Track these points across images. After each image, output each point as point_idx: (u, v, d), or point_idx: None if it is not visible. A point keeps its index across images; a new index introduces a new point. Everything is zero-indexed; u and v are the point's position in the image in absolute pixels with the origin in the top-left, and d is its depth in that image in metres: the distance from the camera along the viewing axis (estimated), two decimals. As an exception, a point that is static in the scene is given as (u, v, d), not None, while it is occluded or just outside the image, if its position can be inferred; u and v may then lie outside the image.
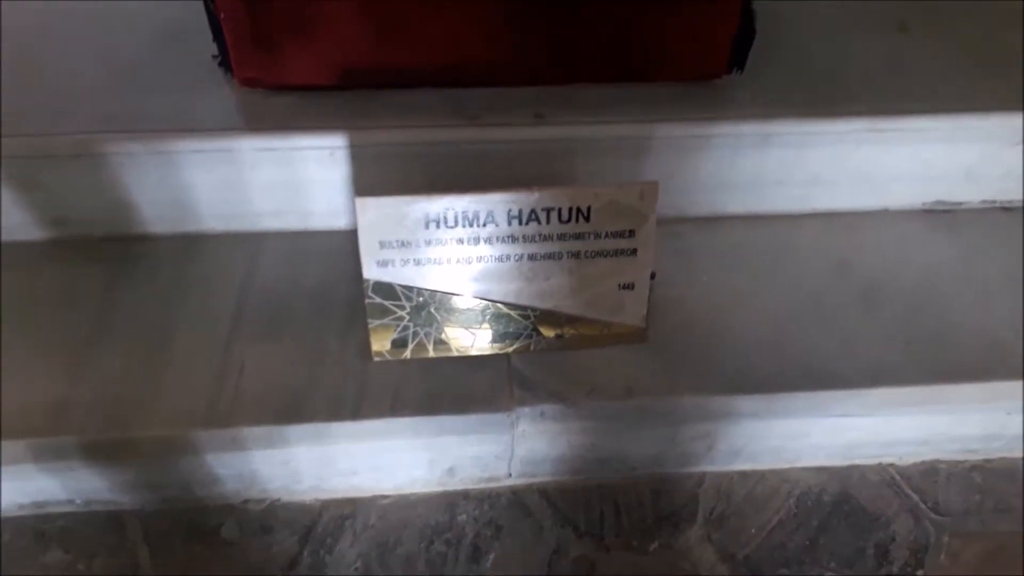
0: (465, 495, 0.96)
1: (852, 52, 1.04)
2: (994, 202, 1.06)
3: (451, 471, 0.94)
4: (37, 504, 0.92)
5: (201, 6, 0.90)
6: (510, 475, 0.96)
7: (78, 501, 0.92)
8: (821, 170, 1.00)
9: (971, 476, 1.00)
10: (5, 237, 0.97)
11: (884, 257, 1.01)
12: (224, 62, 0.94)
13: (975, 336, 0.93)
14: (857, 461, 1.00)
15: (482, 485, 0.96)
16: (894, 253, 1.01)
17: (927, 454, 1.00)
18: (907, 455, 1.00)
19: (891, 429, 0.96)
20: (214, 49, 0.93)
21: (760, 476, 0.99)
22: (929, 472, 1.00)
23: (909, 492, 0.98)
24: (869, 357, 0.90)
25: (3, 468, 0.85)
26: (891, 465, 1.00)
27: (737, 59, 0.96)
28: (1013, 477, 1.00)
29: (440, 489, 0.96)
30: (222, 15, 0.88)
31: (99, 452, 0.84)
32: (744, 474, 0.99)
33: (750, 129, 0.96)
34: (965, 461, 1.01)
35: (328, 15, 0.88)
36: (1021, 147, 1.00)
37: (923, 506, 0.97)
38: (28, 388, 0.85)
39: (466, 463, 0.93)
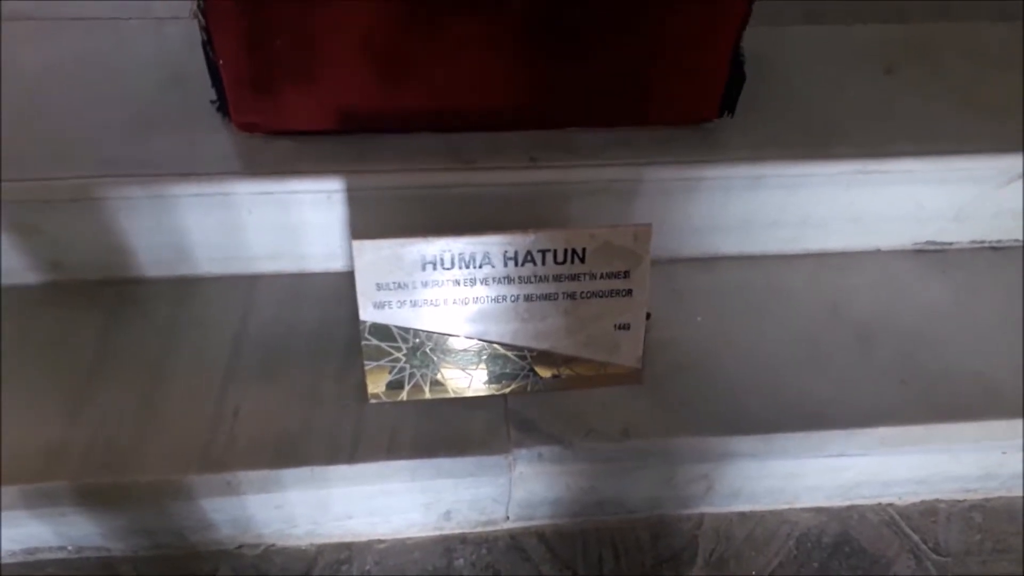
0: (462, 539, 0.95)
1: (841, 94, 1.05)
2: (983, 242, 1.08)
3: (448, 515, 0.93)
4: (28, 551, 0.90)
5: (200, 51, 0.91)
6: (508, 518, 0.95)
7: (70, 548, 0.91)
8: (812, 211, 1.01)
9: (971, 516, 0.99)
10: (2, 281, 0.97)
11: (877, 297, 1.01)
12: (222, 107, 0.95)
13: (969, 375, 0.93)
14: (856, 501, 0.99)
15: (479, 529, 0.95)
16: (886, 293, 1.02)
17: (926, 494, 1.00)
18: (906, 495, 1.00)
19: (889, 469, 0.96)
20: (213, 94, 0.95)
21: (759, 517, 0.98)
22: (929, 512, 0.99)
23: (909, 532, 0.97)
24: (864, 397, 0.91)
25: (-4, 514, 0.84)
26: (890, 505, 1.00)
27: (728, 103, 0.97)
28: (1012, 516, 0.99)
29: (437, 533, 0.95)
30: (221, 61, 0.89)
31: (92, 497, 0.83)
32: (743, 515, 0.98)
33: (741, 171, 0.97)
34: (964, 500, 1.00)
35: (326, 61, 0.89)
36: (1010, 188, 1.01)
37: (924, 546, 0.96)
38: (21, 433, 0.84)
39: (463, 507, 0.93)
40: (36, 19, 1.12)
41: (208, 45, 0.89)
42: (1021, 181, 1.01)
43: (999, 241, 1.08)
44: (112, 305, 0.97)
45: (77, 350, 0.92)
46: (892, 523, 0.98)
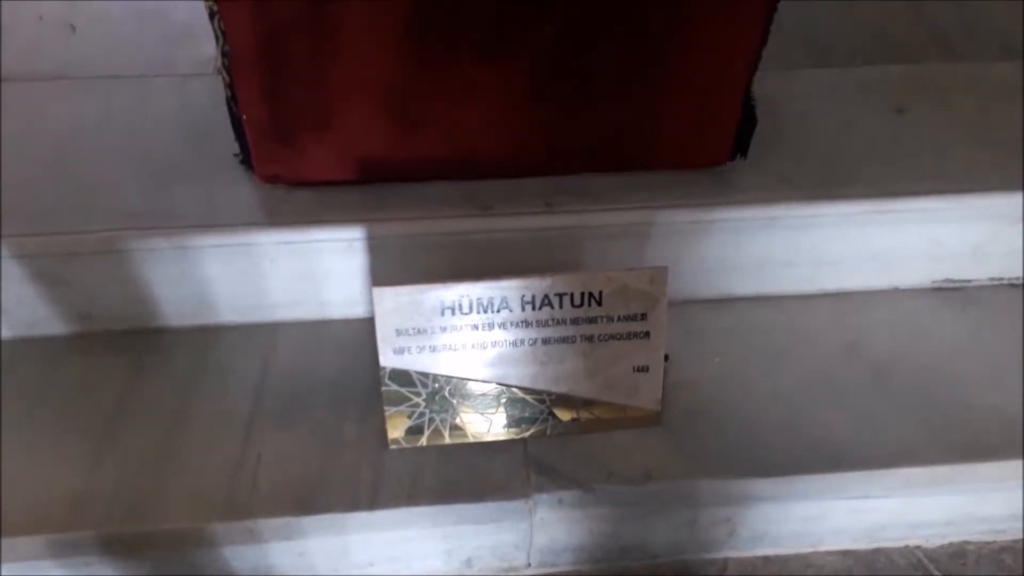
0: (484, 586, 0.94)
1: (852, 134, 1.06)
2: (1002, 279, 1.07)
3: (469, 562, 0.93)
4: (52, 602, 0.91)
5: (223, 106, 0.94)
6: (529, 565, 0.94)
7: (93, 597, 0.91)
8: (828, 251, 1.02)
9: (1001, 558, 0.97)
10: (29, 332, 0.99)
11: (895, 336, 1.01)
12: (245, 160, 0.97)
13: (990, 414, 0.92)
14: (883, 544, 0.98)
15: (501, 575, 0.95)
16: (905, 332, 1.02)
17: (954, 535, 0.98)
18: (934, 537, 0.98)
19: (915, 510, 0.94)
20: (235, 147, 0.97)
21: (784, 561, 0.96)
22: (958, 554, 0.97)
23: (938, 576, 0.96)
24: (885, 437, 0.90)
25: (21, 564, 0.84)
26: (918, 548, 0.98)
27: (740, 146, 0.99)
28: (1043, 559, 0.97)
29: (458, 581, 0.95)
30: (244, 116, 0.92)
31: (116, 546, 0.83)
32: (767, 559, 0.97)
33: (755, 213, 0.98)
34: (994, 542, 0.99)
35: (345, 115, 0.91)
36: (1024, 224, 1.01)
37: (954, 591, 0.94)
38: (48, 481, 0.85)
39: (484, 553, 0.92)
40: (63, 78, 1.16)
41: (232, 100, 0.91)
42: (1037, 218, 1.01)
43: (1018, 278, 1.07)
44: (137, 354, 0.98)
45: (102, 399, 0.93)
46: (920, 566, 0.96)
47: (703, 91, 0.94)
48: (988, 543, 0.98)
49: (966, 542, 0.98)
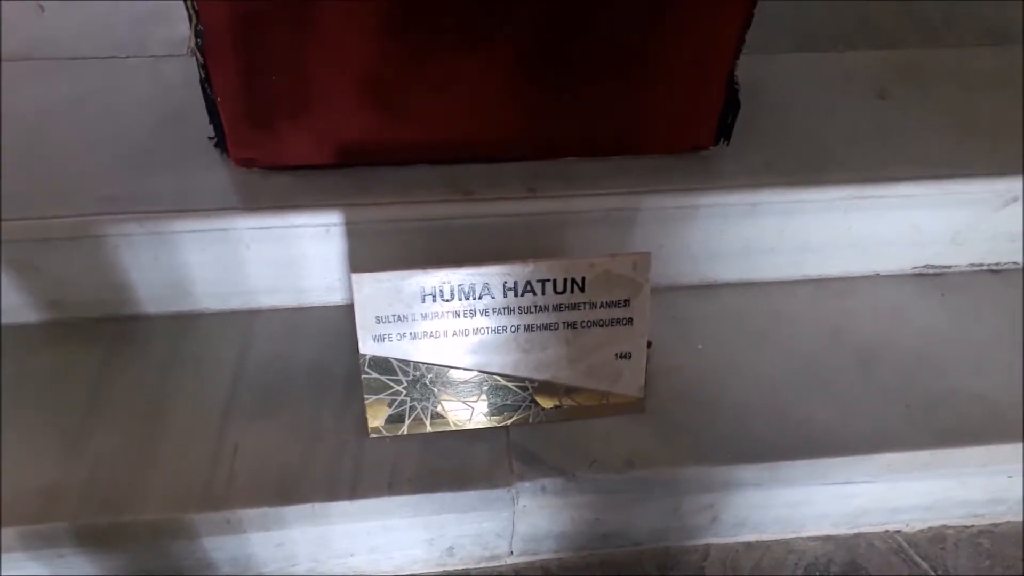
0: (466, 575, 0.94)
1: (834, 120, 1.06)
2: (982, 264, 1.08)
3: (451, 550, 0.92)
4: (25, 595, 0.89)
5: (197, 88, 0.91)
6: (512, 553, 0.94)
7: (67, 590, 0.89)
8: (810, 237, 1.02)
9: (979, 541, 0.98)
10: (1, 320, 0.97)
11: (877, 321, 1.01)
12: (220, 143, 0.95)
13: (971, 399, 0.93)
14: (864, 529, 0.98)
15: (483, 564, 0.94)
16: (887, 317, 1.02)
17: (934, 520, 0.99)
18: (914, 521, 0.99)
19: (896, 495, 0.95)
20: (210, 130, 0.95)
21: (766, 547, 0.97)
22: (937, 538, 0.98)
23: (918, 560, 0.96)
24: (868, 422, 0.90)
25: (-8, 558, 0.83)
26: (898, 532, 0.98)
27: (723, 131, 0.98)
28: (1020, 541, 0.98)
29: (440, 570, 0.94)
30: (218, 98, 0.90)
31: (91, 538, 0.82)
32: (749, 545, 0.97)
33: (738, 198, 0.97)
34: (972, 526, 0.99)
35: (323, 97, 0.89)
36: (1007, 210, 1.01)
37: (933, 574, 0.95)
38: (19, 473, 0.83)
39: (466, 542, 0.92)
40: (34, 59, 1.13)
41: (206, 82, 0.89)
42: (1017, 203, 1.01)
43: (997, 263, 1.08)
44: (111, 343, 0.96)
45: (75, 389, 0.91)
46: (900, 550, 0.97)
47: (686, 75, 0.93)
48: (967, 527, 0.99)
49: (945, 526, 0.99)
